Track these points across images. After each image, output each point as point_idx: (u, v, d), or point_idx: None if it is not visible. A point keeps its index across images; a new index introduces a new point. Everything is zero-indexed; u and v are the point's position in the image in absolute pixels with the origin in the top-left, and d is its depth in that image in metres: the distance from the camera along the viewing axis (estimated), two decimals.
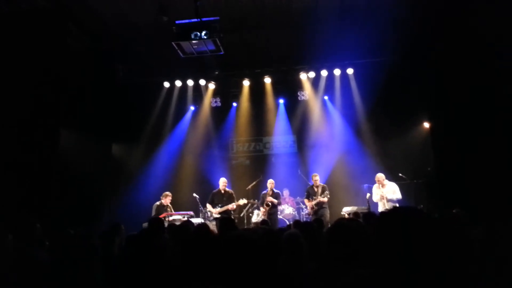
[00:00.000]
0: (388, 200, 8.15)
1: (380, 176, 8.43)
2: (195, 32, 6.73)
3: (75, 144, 8.92)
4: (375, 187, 8.48)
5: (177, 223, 6.11)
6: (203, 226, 3.30)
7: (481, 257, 2.45)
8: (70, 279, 1.85)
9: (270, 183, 9.16)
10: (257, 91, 11.23)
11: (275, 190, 9.17)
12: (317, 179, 9.09)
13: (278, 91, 11.28)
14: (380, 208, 8.15)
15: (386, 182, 8.41)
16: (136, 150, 11.21)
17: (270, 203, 8.89)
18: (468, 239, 2.67)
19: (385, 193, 8.22)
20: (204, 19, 6.77)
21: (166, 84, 11.10)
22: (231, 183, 10.14)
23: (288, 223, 8.66)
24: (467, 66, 8.06)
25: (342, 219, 6.71)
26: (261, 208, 9.03)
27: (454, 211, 4.31)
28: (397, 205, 8.11)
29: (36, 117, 7.75)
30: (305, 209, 9.41)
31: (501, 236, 2.65)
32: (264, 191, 9.21)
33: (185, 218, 7.95)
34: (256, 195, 9.70)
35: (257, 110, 11.42)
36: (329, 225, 8.55)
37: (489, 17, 7.31)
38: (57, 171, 8.14)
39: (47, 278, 1.90)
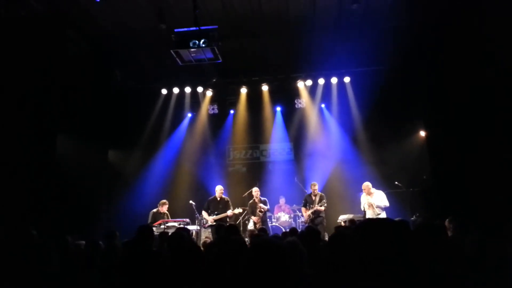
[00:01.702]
0: (377, 207, 8.22)
1: (366, 185, 8.49)
2: (193, 41, 6.77)
3: (71, 150, 8.91)
4: (362, 196, 8.53)
5: (172, 230, 6.10)
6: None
7: (474, 263, 2.48)
8: (68, 284, 1.86)
9: (255, 191, 9.14)
10: (255, 99, 11.28)
11: (262, 198, 9.17)
12: (316, 188, 9.10)
13: (275, 99, 11.33)
14: (369, 216, 8.20)
15: (373, 190, 8.47)
16: (133, 157, 11.20)
17: (262, 210, 8.89)
18: (460, 247, 2.69)
19: (373, 201, 8.28)
20: (202, 27, 6.82)
21: (164, 91, 11.13)
22: (227, 190, 10.14)
23: (284, 230, 8.65)
24: (463, 76, 8.13)
25: (339, 227, 6.74)
26: (253, 217, 9.01)
27: (447, 219, 4.34)
28: (384, 213, 8.17)
29: (33, 123, 7.75)
30: (301, 217, 9.40)
31: (494, 242, 2.68)
32: (250, 201, 9.21)
33: (181, 225, 7.94)
34: None
35: (254, 117, 11.45)
36: (325, 234, 8.60)
37: (486, 26, 7.39)
38: (53, 176, 8.12)
39: (47, 282, 1.91)
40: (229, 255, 2.05)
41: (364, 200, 8.46)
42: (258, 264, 1.78)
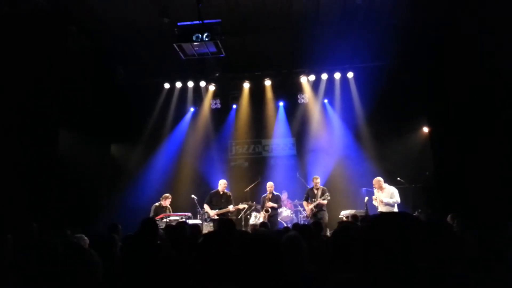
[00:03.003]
0: (385, 204, 8.15)
1: (377, 180, 8.45)
2: (196, 34, 6.76)
3: (74, 145, 8.95)
4: (375, 191, 8.50)
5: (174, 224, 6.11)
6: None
7: (474, 262, 2.47)
8: (69, 279, 1.87)
9: (269, 186, 9.09)
10: (257, 94, 11.26)
11: (275, 193, 9.12)
12: (318, 182, 9.07)
13: (278, 94, 11.30)
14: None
15: (385, 186, 8.40)
16: (135, 151, 11.24)
17: (269, 209, 8.85)
18: (460, 244, 2.68)
19: (382, 197, 8.24)
20: (206, 21, 6.80)
21: (166, 85, 11.12)
22: (229, 185, 10.14)
23: (285, 225, 8.66)
24: (466, 71, 8.09)
25: (343, 221, 6.74)
26: (262, 213, 8.99)
27: (449, 215, 4.33)
28: (395, 208, 8.12)
29: (36, 118, 7.77)
30: (303, 212, 9.39)
31: (493, 241, 2.67)
32: (264, 195, 9.18)
33: (183, 219, 7.96)
34: (254, 198, 9.70)
35: (257, 112, 11.43)
36: (327, 229, 8.60)
37: (488, 24, 7.34)
38: (56, 171, 8.16)
39: (45, 278, 1.92)
40: (223, 249, 2.05)
41: (374, 195, 8.44)
42: (250, 258, 1.77)
